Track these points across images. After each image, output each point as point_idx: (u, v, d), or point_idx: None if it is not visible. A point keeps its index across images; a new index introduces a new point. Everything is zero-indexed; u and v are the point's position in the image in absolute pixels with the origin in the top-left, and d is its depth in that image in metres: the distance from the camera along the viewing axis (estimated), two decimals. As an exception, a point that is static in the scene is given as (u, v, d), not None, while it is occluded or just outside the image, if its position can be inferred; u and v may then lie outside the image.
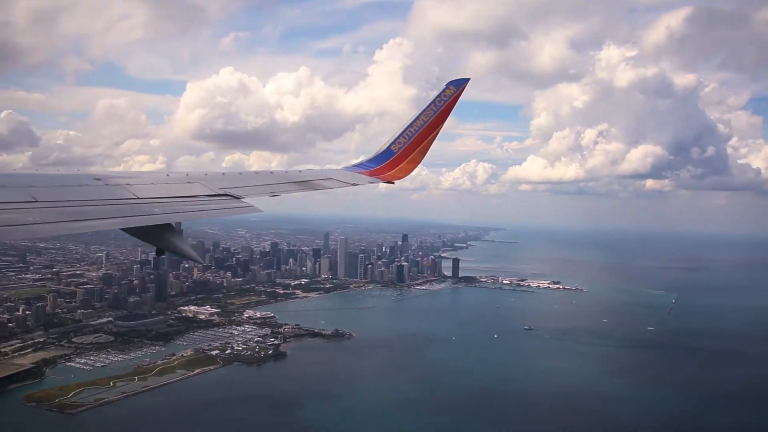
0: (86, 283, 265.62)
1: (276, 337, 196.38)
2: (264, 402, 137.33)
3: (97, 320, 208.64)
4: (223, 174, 17.17)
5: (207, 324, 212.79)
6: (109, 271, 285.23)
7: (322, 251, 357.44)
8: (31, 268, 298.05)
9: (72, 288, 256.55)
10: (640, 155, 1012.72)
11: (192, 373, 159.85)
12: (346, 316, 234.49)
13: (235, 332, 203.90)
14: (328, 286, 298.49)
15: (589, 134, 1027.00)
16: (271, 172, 19.34)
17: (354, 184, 21.08)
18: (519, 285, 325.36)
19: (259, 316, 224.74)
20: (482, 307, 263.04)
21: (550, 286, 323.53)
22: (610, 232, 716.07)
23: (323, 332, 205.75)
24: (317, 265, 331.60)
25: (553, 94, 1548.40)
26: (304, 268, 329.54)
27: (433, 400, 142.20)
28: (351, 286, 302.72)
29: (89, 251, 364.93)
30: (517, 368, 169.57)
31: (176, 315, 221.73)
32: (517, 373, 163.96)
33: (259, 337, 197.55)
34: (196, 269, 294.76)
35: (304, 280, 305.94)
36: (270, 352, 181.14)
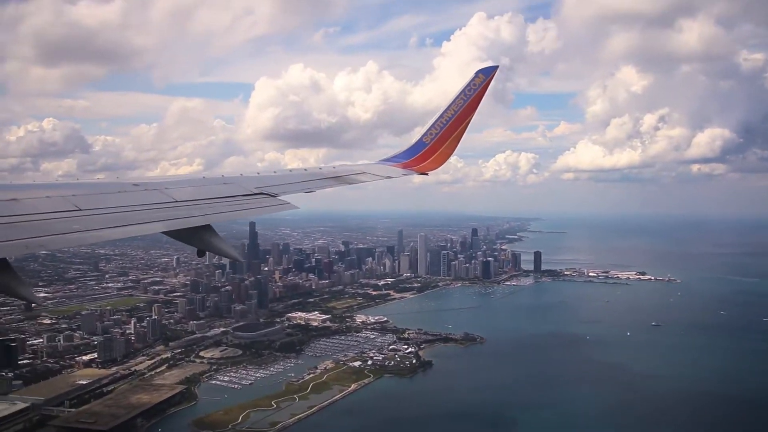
0: (172, 291, 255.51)
1: (408, 344, 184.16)
2: (475, 419, 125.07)
3: (210, 331, 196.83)
4: (258, 173, 17.18)
5: (324, 331, 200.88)
6: (191, 278, 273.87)
7: (396, 248, 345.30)
8: (107, 276, 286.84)
9: (161, 297, 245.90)
10: (708, 139, 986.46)
11: (350, 389, 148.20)
12: (456, 317, 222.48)
13: (360, 339, 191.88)
14: (416, 285, 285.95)
15: (649, 120, 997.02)
16: (305, 169, 19.20)
17: (388, 177, 20.91)
18: (607, 277, 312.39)
19: (373, 320, 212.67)
20: (590, 303, 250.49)
21: (640, 277, 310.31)
22: (654, 218, 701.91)
23: (452, 336, 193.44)
24: (396, 264, 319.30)
25: (610, 80, 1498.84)
26: (382, 267, 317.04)
27: (649, 405, 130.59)
28: (439, 285, 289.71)
29: (151, 256, 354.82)
30: (699, 368, 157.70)
31: (288, 323, 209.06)
32: (708, 374, 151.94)
33: (390, 344, 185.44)
34: (277, 273, 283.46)
35: (389, 280, 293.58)
36: (414, 361, 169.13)
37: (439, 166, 22.71)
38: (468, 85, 21.97)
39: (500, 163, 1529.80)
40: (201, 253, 12.10)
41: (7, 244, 8.55)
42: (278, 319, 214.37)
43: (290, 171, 18.93)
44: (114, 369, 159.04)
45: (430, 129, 22.60)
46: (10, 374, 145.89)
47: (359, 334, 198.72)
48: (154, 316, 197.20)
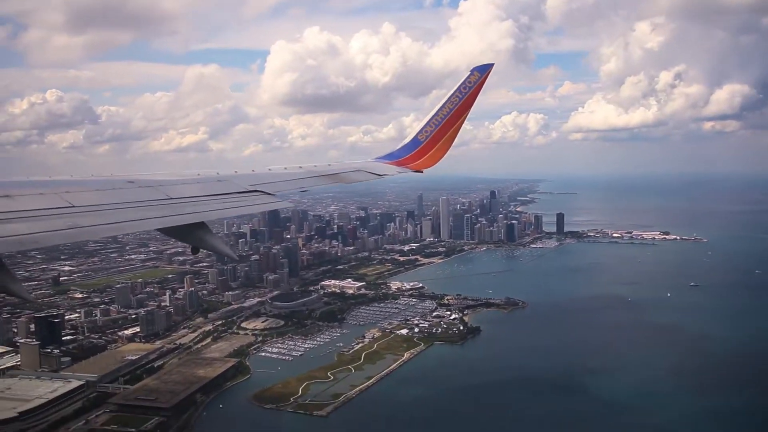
0: (198, 261, 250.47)
1: (450, 311, 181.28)
2: (544, 385, 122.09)
3: (246, 302, 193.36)
4: (253, 171, 17.09)
5: (361, 299, 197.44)
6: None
7: (416, 213, 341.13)
8: (128, 248, 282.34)
9: (187, 267, 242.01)
10: (726, 95, 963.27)
11: (404, 358, 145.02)
12: (490, 281, 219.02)
13: (400, 306, 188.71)
14: (441, 249, 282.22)
15: (665, 77, 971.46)
16: (300, 167, 19.00)
17: (383, 176, 21.04)
18: (632, 238, 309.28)
19: (408, 287, 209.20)
20: (622, 264, 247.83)
21: (665, 237, 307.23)
22: (664, 177, 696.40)
23: (493, 301, 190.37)
24: (419, 228, 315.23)
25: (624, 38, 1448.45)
26: (404, 232, 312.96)
27: (717, 367, 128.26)
28: (464, 249, 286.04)
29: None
30: (750, 328, 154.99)
31: (323, 291, 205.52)
32: (762, 333, 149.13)
33: (432, 311, 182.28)
34: (300, 240, 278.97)
35: (413, 245, 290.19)
36: (461, 328, 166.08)
37: (435, 163, 22.69)
38: (463, 82, 21.74)
39: (506, 125, 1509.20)
40: (195, 250, 12.12)
41: (1, 240, 8.36)
42: (312, 288, 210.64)
43: (285, 168, 18.69)
44: (158, 343, 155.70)
45: (425, 127, 22.52)
46: (56, 351, 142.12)
47: (397, 301, 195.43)
48: (188, 288, 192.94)
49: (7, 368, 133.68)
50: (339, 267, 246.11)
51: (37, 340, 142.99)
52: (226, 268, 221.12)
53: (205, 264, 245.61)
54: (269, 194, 14.67)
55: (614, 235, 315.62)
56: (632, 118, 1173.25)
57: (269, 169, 18.18)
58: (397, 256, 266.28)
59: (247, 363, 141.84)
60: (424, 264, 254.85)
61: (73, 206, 10.26)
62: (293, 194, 17.03)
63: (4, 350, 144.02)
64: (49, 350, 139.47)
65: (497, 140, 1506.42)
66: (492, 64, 22.15)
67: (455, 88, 22.03)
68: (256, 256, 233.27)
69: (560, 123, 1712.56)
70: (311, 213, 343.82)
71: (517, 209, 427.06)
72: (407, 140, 23.25)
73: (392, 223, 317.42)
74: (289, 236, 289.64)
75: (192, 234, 11.87)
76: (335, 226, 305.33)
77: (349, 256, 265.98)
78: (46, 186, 11.25)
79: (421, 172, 22.68)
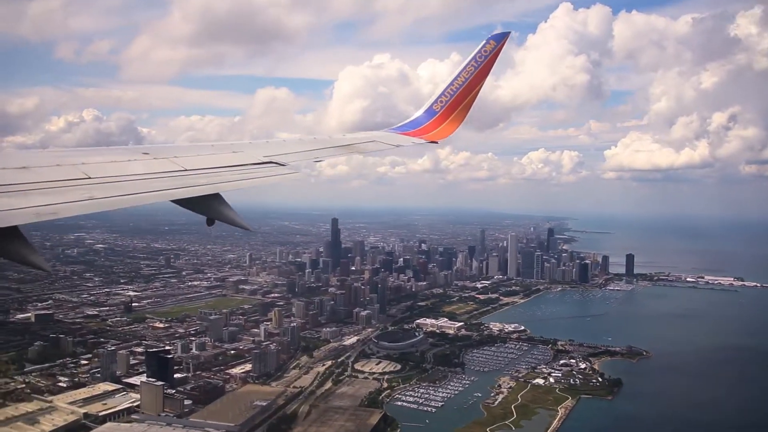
0: (268, 291, 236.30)
1: (573, 358, 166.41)
2: None
3: (345, 339, 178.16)
4: (267, 141, 16.90)
5: (467, 341, 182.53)
6: (275, 276, 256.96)
7: (478, 248, 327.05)
8: (184, 273, 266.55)
9: (258, 297, 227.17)
10: None
11: (560, 414, 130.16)
12: (590, 325, 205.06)
13: (514, 351, 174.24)
14: (515, 288, 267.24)
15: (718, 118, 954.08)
16: (314, 138, 18.56)
17: (398, 146, 20.22)
18: (707, 283, 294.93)
19: (510, 329, 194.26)
20: (721, 311, 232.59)
21: (744, 284, 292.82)
22: (698, 220, 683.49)
23: (612, 349, 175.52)
24: (484, 264, 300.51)
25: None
26: (469, 268, 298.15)
27: None
28: (540, 289, 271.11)
29: (212, 251, 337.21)
30: None
31: (421, 330, 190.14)
32: None
33: (552, 357, 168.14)
34: (367, 273, 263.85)
35: (485, 282, 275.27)
36: (600, 379, 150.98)
37: (450, 134, 22.02)
38: (479, 51, 21.32)
39: (533, 161, 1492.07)
40: (210, 222, 11.60)
41: (18, 211, 8.39)
42: (409, 326, 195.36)
43: (300, 139, 18.44)
44: (274, 385, 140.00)
45: (440, 96, 22.07)
46: (172, 391, 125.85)
47: (507, 344, 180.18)
48: (278, 322, 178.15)
49: (125, 410, 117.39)
50: (420, 303, 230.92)
51: (150, 378, 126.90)
52: (313, 302, 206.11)
53: (276, 295, 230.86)
54: (282, 165, 14.01)
55: (688, 279, 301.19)
56: (678, 159, 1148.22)
57: (283, 140, 17.87)
58: (474, 294, 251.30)
59: (388, 414, 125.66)
60: (507, 304, 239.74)
61: (90, 177, 10.08)
62: (306, 164, 15.69)
63: (113, 388, 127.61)
64: (173, 392, 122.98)
65: (527, 176, 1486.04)
66: (509, 33, 21.49)
67: (471, 57, 21.40)
68: (341, 291, 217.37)
69: (591, 160, 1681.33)
70: (369, 245, 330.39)
71: (563, 247, 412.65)
72: (422, 111, 22.22)
73: (455, 258, 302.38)
74: (354, 268, 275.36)
75: (207, 205, 11.35)
76: (400, 260, 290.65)
77: (423, 291, 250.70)
78: (62, 157, 10.89)
79: (437, 142, 21.45)
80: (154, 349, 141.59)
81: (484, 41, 21.45)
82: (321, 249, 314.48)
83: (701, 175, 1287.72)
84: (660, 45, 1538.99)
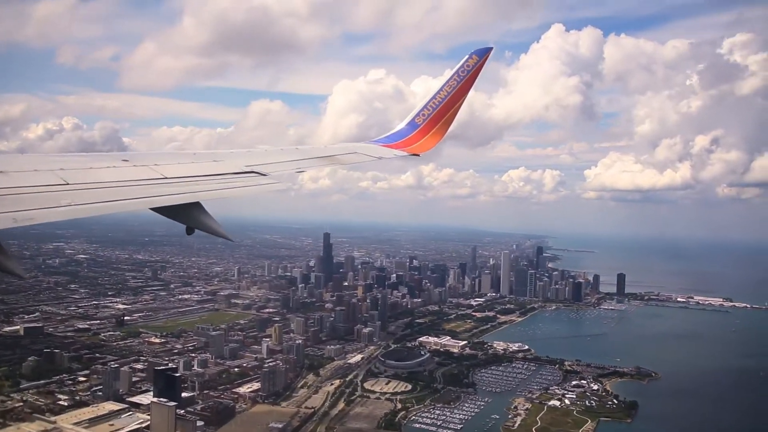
0: (263, 306, 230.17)
1: (584, 379, 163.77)
2: None
3: (349, 357, 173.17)
4: (249, 151, 16.70)
5: (472, 359, 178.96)
6: (266, 290, 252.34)
7: (468, 265, 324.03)
8: (172, 286, 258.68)
9: (253, 312, 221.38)
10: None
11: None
12: (591, 346, 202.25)
13: (522, 371, 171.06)
14: (510, 306, 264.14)
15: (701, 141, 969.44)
16: (297, 148, 18.53)
17: (380, 158, 20.04)
18: (698, 303, 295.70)
19: (515, 348, 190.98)
20: (717, 332, 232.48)
21: (735, 305, 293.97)
22: (676, 241, 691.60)
23: (621, 369, 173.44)
24: (477, 282, 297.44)
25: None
26: (461, 285, 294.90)
27: None
28: (535, 307, 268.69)
29: (196, 264, 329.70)
30: None
31: (424, 349, 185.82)
32: None
33: (563, 378, 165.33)
34: (360, 289, 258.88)
35: (479, 300, 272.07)
36: (615, 401, 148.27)
37: (431, 147, 22.05)
38: (461, 66, 21.45)
39: (513, 179, 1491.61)
40: (190, 230, 11.43)
41: None
42: (411, 345, 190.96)
43: (281, 149, 18.02)
44: (286, 405, 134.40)
45: (422, 110, 22.13)
46: (179, 410, 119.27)
47: (513, 364, 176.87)
48: (277, 339, 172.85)
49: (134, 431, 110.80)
50: (418, 320, 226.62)
51: (157, 397, 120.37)
52: (312, 318, 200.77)
53: (271, 310, 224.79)
54: (263, 175, 13.84)
55: (678, 299, 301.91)
56: (660, 180, 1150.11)
57: (265, 149, 17.63)
58: (470, 311, 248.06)
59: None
60: (505, 322, 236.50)
61: (68, 183, 9.97)
62: (288, 175, 15.34)
63: (118, 407, 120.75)
64: (183, 412, 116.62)
65: (509, 194, 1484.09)
66: (491, 48, 21.54)
67: (453, 71, 21.64)
68: (340, 307, 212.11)
69: (572, 180, 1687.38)
70: (361, 261, 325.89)
71: (548, 265, 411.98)
72: (404, 123, 22.27)
73: (447, 276, 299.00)
74: (347, 283, 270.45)
75: (187, 214, 11.15)
76: (393, 276, 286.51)
77: (419, 308, 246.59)
78: (40, 162, 10.87)
79: (418, 155, 21.48)
80: (160, 367, 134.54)
81: (467, 56, 21.58)
82: (311, 263, 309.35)
83: (680, 196, 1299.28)
84: (648, 69, 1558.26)
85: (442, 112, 21.83)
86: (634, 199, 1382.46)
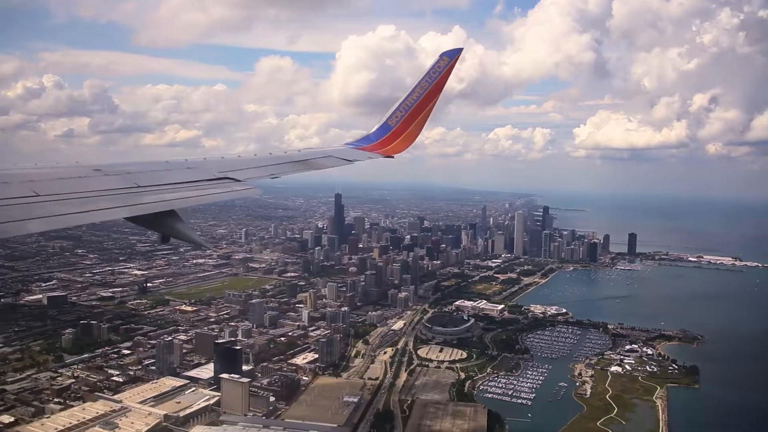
0: (283, 271, 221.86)
1: (633, 344, 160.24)
2: None
3: (392, 323, 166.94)
4: (222, 157, 16.68)
5: (515, 324, 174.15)
6: (280, 253, 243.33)
7: (479, 226, 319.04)
8: (182, 250, 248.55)
9: (275, 277, 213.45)
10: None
11: (659, 405, 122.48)
12: (626, 307, 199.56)
13: (568, 335, 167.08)
14: (528, 268, 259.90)
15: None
16: (270, 153, 18.56)
17: (353, 161, 20.31)
18: (710, 263, 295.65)
19: (553, 311, 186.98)
20: (746, 292, 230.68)
21: (746, 263, 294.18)
22: (663, 199, 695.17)
23: (667, 333, 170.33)
24: (490, 243, 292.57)
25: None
26: (474, 246, 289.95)
27: None
28: (554, 268, 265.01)
29: (204, 227, 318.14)
30: None
31: (462, 313, 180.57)
32: None
33: (612, 342, 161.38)
34: (376, 251, 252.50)
35: (497, 261, 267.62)
36: (674, 366, 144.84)
37: (405, 148, 22.14)
38: (432, 67, 21.58)
39: (500, 137, 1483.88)
40: (165, 239, 11.49)
41: None
42: (445, 309, 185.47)
43: (255, 155, 18.13)
44: (347, 376, 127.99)
45: (395, 112, 22.04)
46: (253, 387, 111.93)
47: (558, 329, 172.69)
48: (312, 305, 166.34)
49: (204, 409, 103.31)
50: (444, 283, 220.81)
51: (219, 372, 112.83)
52: (344, 283, 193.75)
53: (293, 274, 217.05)
54: (238, 181, 13.90)
55: (690, 258, 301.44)
56: (654, 138, 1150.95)
57: (239, 156, 17.66)
58: (491, 273, 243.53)
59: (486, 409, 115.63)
60: (530, 284, 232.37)
61: (39, 195, 9.80)
62: (262, 181, 15.40)
63: (179, 383, 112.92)
64: (256, 388, 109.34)
65: (497, 152, 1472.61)
66: (461, 49, 21.73)
67: (425, 73, 21.67)
68: (371, 271, 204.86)
69: (560, 138, 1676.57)
70: (371, 222, 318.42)
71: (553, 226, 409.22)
72: (378, 126, 22.35)
73: (461, 236, 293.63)
74: (361, 246, 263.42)
75: (162, 223, 11.14)
76: (407, 237, 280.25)
77: (440, 271, 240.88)
78: (10, 175, 10.67)
79: (392, 157, 21.82)
80: (221, 340, 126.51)
81: (437, 58, 21.72)
82: (320, 225, 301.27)
83: (668, 155, 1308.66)
84: (654, 25, 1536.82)
85: (415, 114, 21.75)
86: (622, 157, 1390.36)
